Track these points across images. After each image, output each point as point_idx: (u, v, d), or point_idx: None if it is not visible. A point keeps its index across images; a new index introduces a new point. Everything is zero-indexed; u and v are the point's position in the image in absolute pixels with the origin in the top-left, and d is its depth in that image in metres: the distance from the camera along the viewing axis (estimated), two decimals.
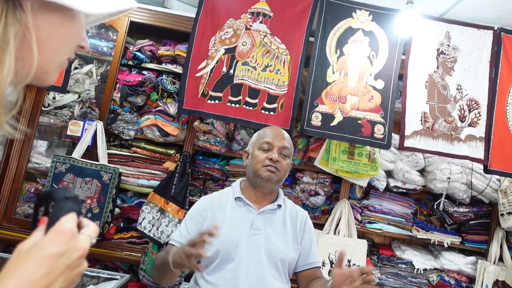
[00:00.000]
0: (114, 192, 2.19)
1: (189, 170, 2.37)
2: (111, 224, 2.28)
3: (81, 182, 2.15)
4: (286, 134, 1.52)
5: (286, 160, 1.45)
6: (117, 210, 2.34)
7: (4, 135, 0.47)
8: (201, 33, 2.23)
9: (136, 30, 2.53)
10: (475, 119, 2.20)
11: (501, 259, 2.47)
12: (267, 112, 2.19)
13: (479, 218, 2.61)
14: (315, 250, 1.50)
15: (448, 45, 2.23)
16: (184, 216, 2.24)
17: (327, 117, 2.17)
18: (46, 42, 0.47)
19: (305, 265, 1.46)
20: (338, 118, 2.18)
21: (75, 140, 2.37)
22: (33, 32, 0.44)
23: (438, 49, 2.23)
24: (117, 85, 2.39)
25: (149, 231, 2.23)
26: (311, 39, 2.26)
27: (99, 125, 2.28)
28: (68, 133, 2.33)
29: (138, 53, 2.43)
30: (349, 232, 2.40)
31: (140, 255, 2.27)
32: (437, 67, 2.21)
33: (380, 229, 2.50)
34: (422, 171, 2.61)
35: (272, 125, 1.62)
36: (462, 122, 2.19)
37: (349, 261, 2.32)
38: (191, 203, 2.31)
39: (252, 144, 1.51)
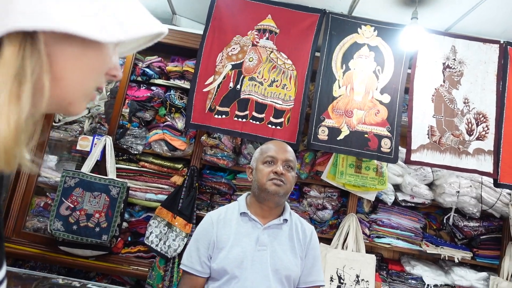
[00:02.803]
0: (122, 206, 2.21)
1: (197, 184, 2.38)
2: (119, 238, 2.29)
3: (90, 196, 2.18)
4: (289, 147, 1.52)
5: (291, 172, 1.45)
6: (124, 224, 2.35)
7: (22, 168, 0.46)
8: (208, 50, 2.27)
9: None
10: (483, 133, 2.18)
11: None
12: (273, 127, 2.20)
13: (490, 233, 2.57)
14: (319, 268, 1.47)
15: (454, 59, 2.23)
16: (191, 231, 2.25)
17: (334, 131, 2.18)
18: (70, 73, 0.46)
19: (306, 283, 1.44)
20: (345, 132, 2.18)
21: (84, 155, 2.41)
22: (44, 65, 0.43)
23: (444, 63, 2.23)
24: (126, 101, 2.43)
25: (156, 245, 2.23)
26: (317, 54, 2.28)
27: (108, 140, 2.31)
28: (78, 148, 2.37)
29: (147, 69, 2.48)
30: (357, 246, 2.38)
31: (147, 269, 2.27)
32: (444, 81, 2.21)
33: (389, 244, 2.47)
34: (430, 185, 2.59)
35: (275, 139, 1.62)
36: (470, 135, 2.18)
37: (357, 276, 2.29)
38: (198, 217, 2.32)
39: (255, 159, 1.51)
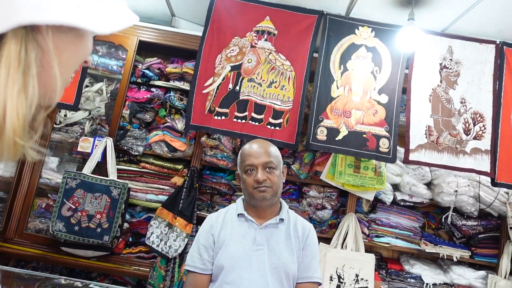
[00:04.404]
0: (123, 207, 2.23)
1: (197, 184, 2.40)
2: (120, 239, 2.32)
3: (91, 197, 2.20)
4: (268, 146, 1.47)
5: (274, 172, 1.43)
6: (126, 225, 2.37)
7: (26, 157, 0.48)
8: (207, 51, 2.30)
9: (145, 48, 2.62)
10: (480, 132, 2.21)
11: None
12: (272, 127, 2.22)
13: (488, 232, 2.58)
14: (316, 265, 1.48)
15: (451, 60, 2.25)
16: (191, 231, 2.27)
17: (332, 132, 2.20)
18: (60, 63, 0.48)
19: (303, 278, 1.44)
20: (343, 132, 2.20)
21: (85, 156, 2.43)
22: (54, 57, 0.46)
23: (441, 64, 2.25)
24: (126, 102, 2.45)
25: (157, 245, 2.25)
26: (315, 55, 2.30)
27: (109, 142, 2.34)
28: (79, 149, 2.39)
29: (146, 71, 2.50)
30: (357, 246, 2.40)
31: (149, 269, 2.29)
32: (441, 81, 2.23)
33: (388, 243, 2.48)
34: (429, 184, 2.61)
35: (251, 142, 1.52)
36: (467, 135, 2.20)
37: (357, 275, 2.31)
38: (199, 218, 2.34)
39: (238, 166, 1.50)
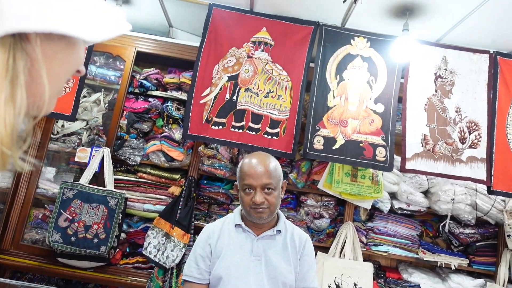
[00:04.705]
0: (120, 217, 2.22)
1: (194, 194, 2.40)
2: (117, 250, 2.30)
3: (88, 207, 2.19)
4: (268, 164, 1.41)
5: (273, 193, 1.39)
6: (123, 235, 2.36)
7: (15, 168, 0.48)
8: (205, 62, 2.32)
9: (143, 59, 2.63)
10: (476, 141, 2.22)
11: (510, 281, 2.43)
12: (270, 137, 2.24)
13: (486, 240, 2.59)
14: (313, 275, 1.47)
15: (446, 69, 2.28)
16: (189, 241, 2.26)
17: (329, 141, 2.21)
18: (48, 71, 0.46)
19: None
20: (340, 141, 2.21)
21: (82, 167, 2.43)
22: (42, 65, 0.44)
23: (435, 73, 2.28)
24: (124, 112, 2.46)
25: (155, 256, 2.24)
26: (312, 65, 2.33)
27: (106, 152, 2.34)
28: (76, 159, 2.39)
29: (144, 81, 2.51)
30: (355, 255, 2.39)
31: (146, 280, 2.27)
32: (436, 91, 2.26)
33: (386, 252, 2.48)
34: (426, 193, 2.62)
35: (252, 157, 1.46)
36: (463, 143, 2.22)
37: (355, 284, 2.30)
38: (196, 228, 2.33)
39: (238, 179, 1.46)
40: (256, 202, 1.36)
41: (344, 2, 2.05)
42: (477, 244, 2.56)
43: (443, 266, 2.49)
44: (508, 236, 2.39)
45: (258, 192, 1.37)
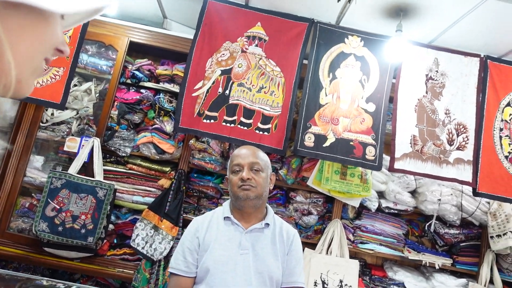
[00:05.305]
0: (108, 208, 2.21)
1: (184, 187, 2.40)
2: (105, 241, 2.30)
3: (76, 197, 2.18)
4: (257, 150, 1.53)
5: (260, 174, 1.47)
6: (111, 226, 2.35)
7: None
8: (198, 54, 2.30)
9: (135, 49, 2.61)
10: (463, 143, 2.26)
11: (491, 281, 2.49)
12: (261, 132, 2.24)
13: (469, 240, 2.64)
14: (300, 270, 1.49)
15: (437, 71, 2.31)
16: (177, 234, 2.26)
17: (320, 138, 2.22)
18: (17, 48, 0.43)
19: (287, 283, 1.45)
20: (331, 139, 2.23)
21: (71, 156, 2.40)
22: (4, 40, 0.40)
23: (427, 75, 2.30)
24: (115, 103, 2.44)
25: (142, 248, 2.24)
26: (305, 62, 2.33)
27: (96, 142, 2.32)
28: (65, 149, 2.37)
29: (136, 72, 2.49)
30: (341, 252, 2.42)
31: (133, 272, 2.27)
32: (426, 92, 2.28)
33: (372, 250, 2.52)
34: (413, 193, 2.65)
35: (243, 146, 1.61)
36: (451, 145, 2.25)
37: (341, 281, 2.33)
38: (185, 221, 2.34)
39: (228, 169, 1.55)
40: (243, 177, 1.44)
41: (338, 1, 2.05)
42: (461, 244, 2.61)
43: (427, 265, 2.54)
44: (491, 237, 2.45)
45: (245, 169, 1.46)
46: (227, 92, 2.27)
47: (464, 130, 2.26)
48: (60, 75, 2.28)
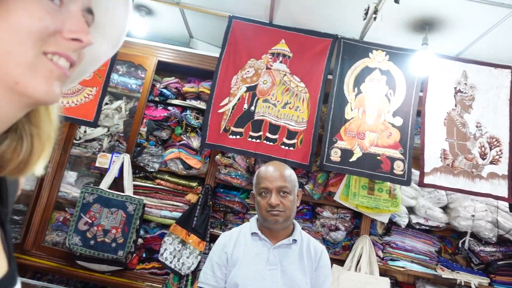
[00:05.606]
0: (138, 222, 2.26)
1: (211, 202, 2.43)
2: (134, 254, 2.34)
3: (107, 212, 2.24)
4: (283, 170, 1.47)
5: (288, 197, 1.43)
6: (140, 240, 2.40)
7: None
8: (224, 72, 2.36)
9: (163, 68, 2.70)
10: (497, 157, 2.18)
11: None
12: (287, 148, 2.25)
13: (507, 259, 2.51)
14: (329, 286, 1.47)
15: (466, 84, 2.26)
16: (204, 248, 2.28)
17: (346, 153, 2.21)
18: None
19: None
20: (357, 154, 2.21)
21: (102, 172, 2.49)
22: None
23: (455, 88, 2.26)
24: (144, 120, 2.52)
25: (170, 262, 2.27)
26: (330, 77, 2.34)
27: (126, 158, 2.39)
28: (97, 165, 2.46)
29: (164, 90, 2.58)
30: (371, 269, 2.36)
31: (161, 286, 2.30)
32: (455, 105, 2.23)
33: (403, 267, 2.43)
34: (445, 208, 2.56)
35: (268, 164, 1.53)
36: (483, 159, 2.18)
37: None
38: (212, 235, 2.35)
39: (254, 186, 1.52)
40: (272, 204, 1.40)
41: (364, 19, 2.07)
42: (498, 263, 2.48)
43: (463, 284, 2.42)
44: None
45: (273, 194, 1.42)
46: (252, 108, 2.30)
47: (497, 144, 2.18)
48: (93, 94, 2.40)
